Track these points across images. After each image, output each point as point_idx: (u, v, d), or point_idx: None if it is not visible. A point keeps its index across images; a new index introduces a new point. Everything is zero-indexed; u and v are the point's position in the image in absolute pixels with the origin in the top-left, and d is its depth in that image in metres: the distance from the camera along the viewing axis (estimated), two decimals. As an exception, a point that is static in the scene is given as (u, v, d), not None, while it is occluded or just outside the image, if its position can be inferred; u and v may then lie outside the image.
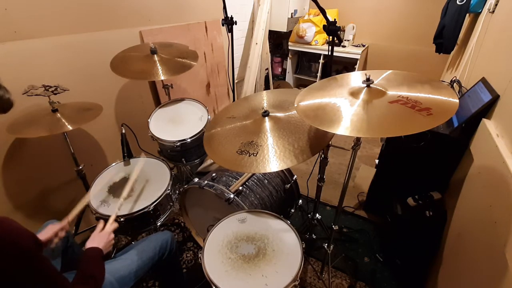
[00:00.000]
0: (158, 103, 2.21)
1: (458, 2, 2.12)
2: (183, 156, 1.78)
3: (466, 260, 1.17)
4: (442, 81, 2.25)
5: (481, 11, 2.01)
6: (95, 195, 1.38)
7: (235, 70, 2.32)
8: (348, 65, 3.91)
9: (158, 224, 1.44)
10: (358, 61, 3.48)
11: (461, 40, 2.42)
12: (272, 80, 3.68)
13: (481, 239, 1.08)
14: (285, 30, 3.53)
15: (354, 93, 1.00)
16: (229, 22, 1.80)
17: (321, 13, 1.18)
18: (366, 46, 3.66)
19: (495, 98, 1.26)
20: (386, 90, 0.98)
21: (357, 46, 3.63)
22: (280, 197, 1.55)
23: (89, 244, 0.97)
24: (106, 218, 1.13)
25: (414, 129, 0.80)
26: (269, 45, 3.47)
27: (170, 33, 2.17)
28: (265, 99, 1.34)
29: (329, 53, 1.29)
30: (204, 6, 2.45)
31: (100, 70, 1.69)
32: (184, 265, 1.70)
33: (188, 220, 1.64)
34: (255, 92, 3.17)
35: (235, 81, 2.21)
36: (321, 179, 1.41)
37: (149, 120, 1.76)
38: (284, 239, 1.11)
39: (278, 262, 1.03)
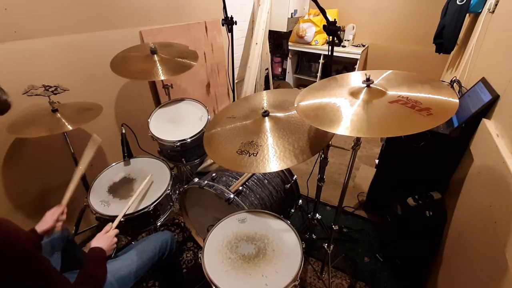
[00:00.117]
0: (158, 103, 2.21)
1: (458, 2, 2.12)
2: (183, 156, 1.78)
3: (466, 260, 1.17)
4: (442, 81, 2.25)
5: (481, 11, 2.01)
6: (95, 195, 1.38)
7: (235, 70, 2.32)
8: (348, 65, 3.91)
9: (158, 224, 1.44)
10: (358, 61, 3.48)
11: (461, 40, 2.42)
12: (272, 80, 3.68)
13: (481, 239, 1.08)
14: (285, 30, 3.53)
15: (354, 93, 1.00)
16: (229, 22, 1.80)
17: (321, 13, 1.18)
18: (366, 46, 3.66)
19: (495, 98, 1.26)
20: (386, 90, 0.98)
21: (357, 46, 3.63)
22: (280, 197, 1.55)
23: (94, 243, 0.97)
24: (113, 220, 1.14)
25: (414, 129, 0.80)
26: (269, 45, 3.47)
27: (170, 33, 2.17)
28: (265, 99, 1.34)
29: (329, 53, 1.30)
30: (204, 6, 2.45)
31: (100, 70, 1.69)
32: (184, 265, 1.70)
33: (188, 220, 1.64)
34: (255, 92, 3.17)
35: (235, 81, 2.21)
36: (321, 179, 1.41)
37: (149, 120, 1.77)
38: (284, 239, 1.11)
39: (278, 262, 1.03)
